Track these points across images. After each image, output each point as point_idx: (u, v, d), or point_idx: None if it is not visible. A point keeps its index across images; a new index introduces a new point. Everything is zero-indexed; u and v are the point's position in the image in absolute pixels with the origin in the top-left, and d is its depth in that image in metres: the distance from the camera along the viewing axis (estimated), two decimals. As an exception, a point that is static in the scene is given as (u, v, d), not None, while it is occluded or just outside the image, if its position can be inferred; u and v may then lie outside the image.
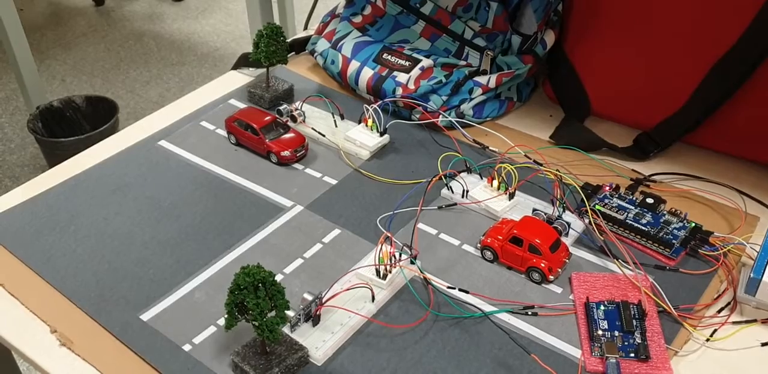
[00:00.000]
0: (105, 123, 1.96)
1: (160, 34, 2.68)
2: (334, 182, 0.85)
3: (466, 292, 0.69)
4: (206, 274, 0.72)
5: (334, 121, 0.92)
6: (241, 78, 1.04)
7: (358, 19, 1.00)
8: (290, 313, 0.64)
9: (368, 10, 0.99)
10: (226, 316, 0.59)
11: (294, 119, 0.92)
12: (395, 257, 0.70)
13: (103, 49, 2.58)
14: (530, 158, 0.86)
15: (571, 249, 0.75)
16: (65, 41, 2.63)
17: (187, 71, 2.47)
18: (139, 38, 2.65)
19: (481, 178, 0.83)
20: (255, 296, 0.56)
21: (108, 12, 2.83)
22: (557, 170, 0.83)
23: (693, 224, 0.75)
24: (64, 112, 2.04)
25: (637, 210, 0.77)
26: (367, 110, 0.89)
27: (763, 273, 0.66)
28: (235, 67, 1.06)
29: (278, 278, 0.71)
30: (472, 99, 0.92)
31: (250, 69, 1.05)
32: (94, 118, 2.05)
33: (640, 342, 0.64)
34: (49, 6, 2.86)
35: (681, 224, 0.76)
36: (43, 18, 2.78)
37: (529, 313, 0.68)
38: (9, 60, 1.99)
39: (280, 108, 0.92)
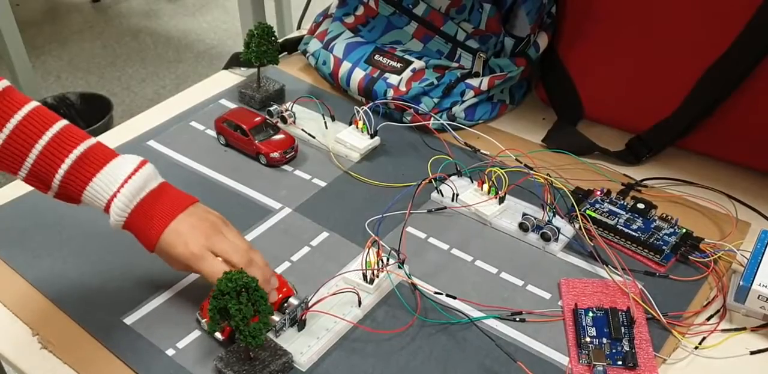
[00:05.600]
0: (99, 120, 1.94)
1: (157, 32, 2.66)
2: (323, 184, 0.84)
3: (454, 298, 0.69)
4: (192, 277, 0.72)
5: (325, 122, 0.91)
6: (232, 78, 1.03)
7: (350, 20, 0.99)
8: (276, 318, 0.63)
9: (361, 11, 0.98)
10: (208, 321, 0.58)
11: (284, 120, 0.91)
12: (382, 262, 0.69)
13: (99, 46, 2.57)
14: (521, 162, 0.85)
15: (561, 255, 0.74)
16: (61, 37, 2.61)
17: (183, 69, 2.46)
18: (135, 35, 2.64)
19: (472, 181, 0.82)
20: (237, 301, 0.56)
21: (105, 8, 2.81)
22: (548, 174, 0.82)
23: (684, 230, 0.75)
24: (58, 109, 2.02)
25: (627, 215, 0.77)
26: (358, 111, 0.88)
27: (753, 281, 0.65)
28: (227, 66, 1.05)
29: (264, 281, 0.71)
30: (463, 101, 0.91)
31: (242, 69, 1.04)
32: (88, 115, 2.04)
33: (628, 349, 0.63)
34: (46, 2, 2.85)
35: (672, 230, 0.75)
36: (40, 14, 2.77)
37: (517, 319, 0.67)
38: (2, 56, 1.98)
39: (271, 109, 0.91)
